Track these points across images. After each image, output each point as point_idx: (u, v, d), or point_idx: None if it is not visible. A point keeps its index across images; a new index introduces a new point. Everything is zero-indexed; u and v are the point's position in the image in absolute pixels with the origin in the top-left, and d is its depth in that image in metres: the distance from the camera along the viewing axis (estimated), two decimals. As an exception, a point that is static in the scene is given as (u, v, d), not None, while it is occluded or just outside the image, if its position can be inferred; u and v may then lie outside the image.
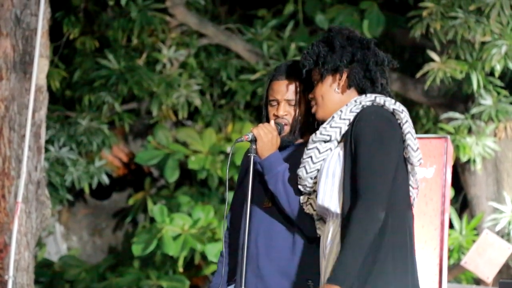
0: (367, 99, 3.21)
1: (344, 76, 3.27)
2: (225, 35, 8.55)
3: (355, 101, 3.22)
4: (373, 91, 3.26)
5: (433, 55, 7.17)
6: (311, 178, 3.27)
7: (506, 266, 6.96)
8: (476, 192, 7.62)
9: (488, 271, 6.35)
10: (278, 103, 3.47)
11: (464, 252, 7.28)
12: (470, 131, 7.50)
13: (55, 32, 7.88)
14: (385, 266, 3.07)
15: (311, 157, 3.23)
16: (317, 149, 3.23)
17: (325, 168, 3.21)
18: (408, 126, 3.18)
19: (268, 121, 3.48)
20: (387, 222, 3.09)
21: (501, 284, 4.63)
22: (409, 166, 3.22)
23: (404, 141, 3.18)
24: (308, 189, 3.30)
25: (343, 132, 3.20)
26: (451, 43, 7.16)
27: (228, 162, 3.55)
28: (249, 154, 3.41)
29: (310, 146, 3.25)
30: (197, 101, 8.44)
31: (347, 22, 8.41)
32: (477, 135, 7.43)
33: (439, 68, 7.09)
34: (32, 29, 5.86)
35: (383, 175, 3.09)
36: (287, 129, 3.47)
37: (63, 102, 8.80)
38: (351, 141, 3.15)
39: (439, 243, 5.08)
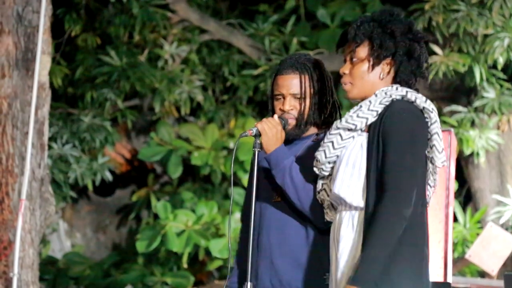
0: (397, 93, 3.16)
1: (392, 65, 3.21)
2: (227, 30, 8.55)
3: (385, 93, 3.17)
4: (409, 86, 3.22)
5: (436, 48, 7.17)
6: (329, 163, 3.22)
7: (510, 258, 6.96)
8: (479, 185, 7.62)
9: (492, 264, 6.35)
10: (284, 98, 3.45)
11: (468, 245, 7.28)
12: (473, 124, 7.50)
13: (56, 29, 7.88)
14: (403, 263, 3.06)
15: (332, 142, 3.19)
16: (340, 135, 3.18)
17: (345, 157, 3.17)
18: (436, 127, 3.15)
19: (273, 116, 3.47)
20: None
21: (506, 276, 4.62)
22: (430, 166, 3.19)
23: (430, 140, 3.15)
24: (323, 172, 3.26)
25: (369, 122, 3.15)
26: (453, 36, 7.15)
27: (233, 157, 3.54)
28: (253, 149, 3.41)
29: (333, 131, 3.20)
30: (199, 97, 8.44)
31: (349, 17, 8.41)
32: (480, 128, 7.43)
33: (441, 61, 7.08)
34: (34, 26, 5.85)
35: (411, 174, 3.06)
36: (292, 123, 3.45)
37: (65, 99, 8.80)
38: (379, 135, 3.11)
39: (443, 236, 5.07)
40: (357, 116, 3.16)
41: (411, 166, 3.07)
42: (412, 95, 3.16)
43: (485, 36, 7.02)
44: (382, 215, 3.03)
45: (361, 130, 3.18)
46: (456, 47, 7.15)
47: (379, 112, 3.15)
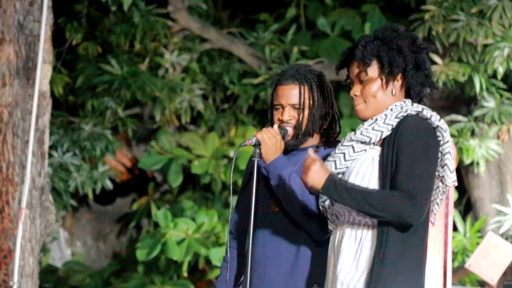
0: (413, 108, 3.17)
1: (403, 80, 3.22)
2: (227, 39, 8.56)
3: (401, 107, 3.18)
4: (420, 98, 3.24)
5: (436, 58, 7.18)
6: (337, 174, 3.22)
7: (510, 268, 6.96)
8: (479, 194, 7.62)
9: (492, 274, 6.34)
10: (283, 108, 3.47)
11: (468, 254, 7.28)
12: (473, 133, 7.50)
13: (57, 37, 7.89)
14: (400, 276, 3.06)
15: (344, 153, 3.19)
16: (352, 147, 3.18)
17: (355, 169, 3.17)
18: (448, 146, 3.15)
19: (273, 125, 3.48)
20: (411, 234, 3.08)
21: (506, 286, 4.63)
22: (441, 185, 3.19)
23: (442, 160, 3.15)
24: None
25: (383, 136, 3.16)
26: (453, 45, 7.16)
27: (232, 167, 3.55)
28: (252, 158, 3.41)
29: (346, 143, 3.20)
30: (200, 106, 8.45)
31: (349, 26, 8.42)
32: (480, 138, 7.43)
33: (441, 70, 7.09)
34: (35, 35, 5.87)
35: (427, 184, 3.08)
36: (291, 133, 3.46)
37: (66, 107, 8.81)
38: (393, 149, 3.11)
39: (443, 246, 5.07)
40: (372, 129, 3.16)
41: (425, 176, 3.07)
42: (427, 112, 3.17)
43: (485, 45, 7.04)
44: (397, 194, 3.03)
45: (374, 143, 3.18)
46: (456, 56, 7.16)
47: (393, 126, 3.15)
